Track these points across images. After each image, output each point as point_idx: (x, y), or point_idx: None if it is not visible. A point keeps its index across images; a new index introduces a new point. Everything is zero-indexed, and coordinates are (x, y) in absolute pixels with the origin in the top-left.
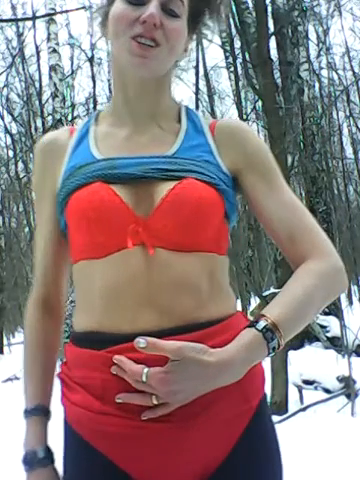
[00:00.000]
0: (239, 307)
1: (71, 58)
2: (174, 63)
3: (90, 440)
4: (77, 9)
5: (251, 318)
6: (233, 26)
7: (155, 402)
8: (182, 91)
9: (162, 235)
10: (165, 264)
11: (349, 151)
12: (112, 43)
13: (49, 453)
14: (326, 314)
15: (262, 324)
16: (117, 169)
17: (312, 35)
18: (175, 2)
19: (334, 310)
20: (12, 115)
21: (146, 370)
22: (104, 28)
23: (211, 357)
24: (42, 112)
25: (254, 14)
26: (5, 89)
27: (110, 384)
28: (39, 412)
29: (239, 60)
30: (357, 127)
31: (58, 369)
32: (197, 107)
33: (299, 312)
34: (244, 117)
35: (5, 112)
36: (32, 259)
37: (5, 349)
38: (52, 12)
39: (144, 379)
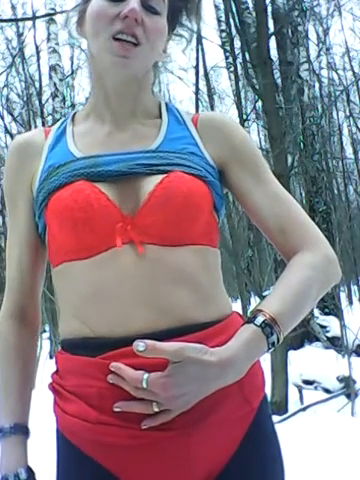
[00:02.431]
0: (239, 307)
1: (71, 58)
2: (154, 63)
3: (87, 450)
4: None
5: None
6: (233, 26)
7: (156, 409)
8: (182, 91)
9: (152, 231)
10: (157, 260)
11: (349, 151)
12: (91, 42)
13: (32, 473)
14: (326, 314)
15: (260, 319)
16: (100, 167)
17: (312, 35)
18: None
19: (334, 310)
20: (12, 115)
21: (146, 376)
22: (81, 28)
23: (212, 356)
24: (42, 112)
25: (254, 14)
26: (5, 89)
27: (107, 392)
28: (18, 431)
29: (239, 60)
30: (357, 127)
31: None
32: (197, 107)
33: (296, 305)
34: (244, 117)
35: (5, 112)
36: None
37: None
38: (52, 12)
39: (145, 385)
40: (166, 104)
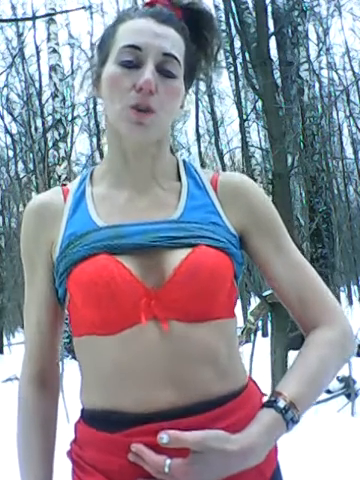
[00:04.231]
0: (239, 307)
1: (71, 58)
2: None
3: None
4: (77, 9)
5: (251, 318)
6: (233, 26)
7: None
8: None
9: (176, 306)
10: (181, 337)
11: (349, 151)
12: (107, 107)
13: None
14: None
15: (281, 404)
16: (123, 239)
17: (312, 35)
18: (171, 62)
19: None
20: (12, 115)
21: (168, 462)
22: (96, 89)
23: (234, 445)
24: (42, 112)
25: (254, 14)
26: (5, 89)
27: (128, 469)
28: None
29: (239, 60)
30: (357, 127)
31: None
32: (197, 107)
33: (314, 386)
34: (244, 117)
35: (5, 112)
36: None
37: (5, 349)
38: (52, 12)
39: (166, 471)
40: (184, 162)
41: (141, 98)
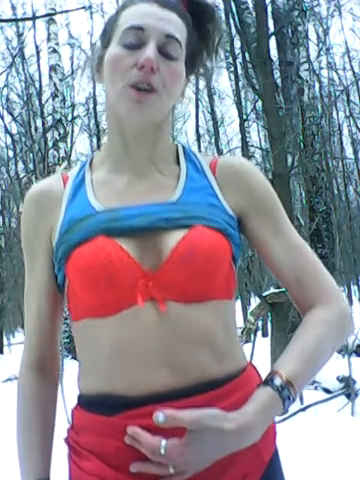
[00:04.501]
0: (239, 307)
1: (71, 58)
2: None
3: None
4: (77, 9)
5: (251, 318)
6: (233, 26)
7: (172, 471)
8: None
9: (173, 287)
10: (178, 318)
11: (349, 151)
12: (108, 90)
13: None
14: None
15: (278, 382)
16: (120, 221)
17: (312, 35)
18: (173, 44)
19: None
20: (12, 115)
21: (164, 443)
22: (99, 73)
23: (231, 424)
24: (42, 112)
25: (254, 14)
26: (5, 89)
27: (124, 452)
28: None
29: (239, 60)
30: (357, 127)
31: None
32: (197, 107)
33: (311, 364)
34: (244, 117)
35: (5, 112)
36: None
37: (5, 349)
38: (52, 12)
39: (162, 452)
40: (183, 148)
41: (142, 76)
